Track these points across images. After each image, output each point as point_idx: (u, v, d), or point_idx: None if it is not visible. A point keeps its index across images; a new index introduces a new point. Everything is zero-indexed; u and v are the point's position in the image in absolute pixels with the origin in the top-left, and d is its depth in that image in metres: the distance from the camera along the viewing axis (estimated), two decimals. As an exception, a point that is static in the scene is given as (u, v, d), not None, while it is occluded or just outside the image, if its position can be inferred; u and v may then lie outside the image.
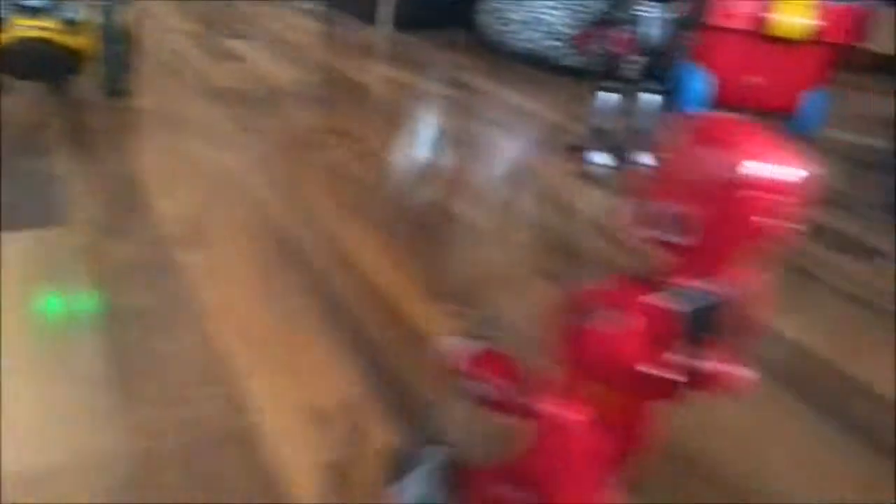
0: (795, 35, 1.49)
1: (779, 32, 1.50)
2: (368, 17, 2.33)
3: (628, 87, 1.21)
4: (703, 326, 0.33)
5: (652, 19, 1.16)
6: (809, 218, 1.11)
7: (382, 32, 2.24)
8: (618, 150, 1.26)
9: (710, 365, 0.33)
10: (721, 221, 0.32)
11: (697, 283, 0.33)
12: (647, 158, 1.24)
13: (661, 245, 0.33)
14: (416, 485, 0.43)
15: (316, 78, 1.62)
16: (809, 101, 1.50)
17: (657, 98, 1.21)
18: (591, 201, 1.10)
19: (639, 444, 0.38)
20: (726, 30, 1.53)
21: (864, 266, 0.96)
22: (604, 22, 1.19)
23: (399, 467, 0.44)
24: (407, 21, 2.35)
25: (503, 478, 0.41)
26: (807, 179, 0.32)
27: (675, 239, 0.33)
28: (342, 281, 0.77)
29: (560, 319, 0.35)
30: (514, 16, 2.06)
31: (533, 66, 1.95)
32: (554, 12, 2.03)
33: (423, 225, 0.94)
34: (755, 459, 0.59)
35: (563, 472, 0.37)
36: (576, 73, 1.83)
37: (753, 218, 0.31)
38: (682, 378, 0.34)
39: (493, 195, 1.07)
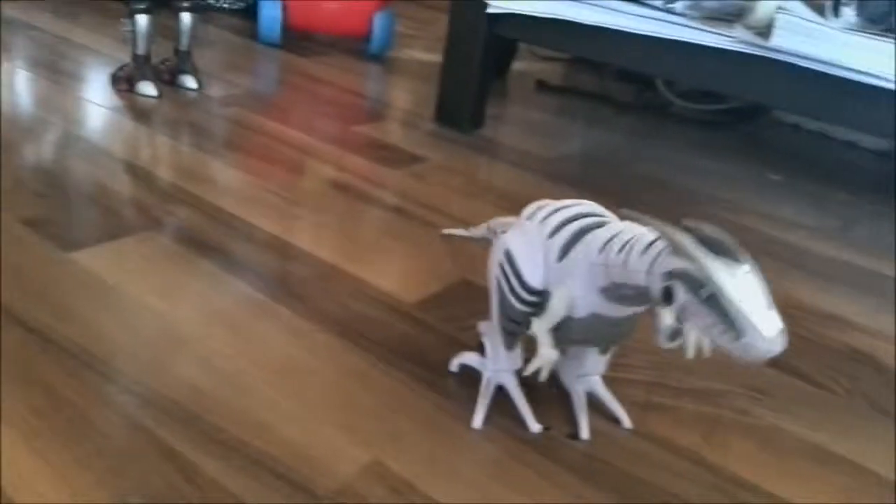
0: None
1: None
2: None
3: (160, 6, 1.11)
4: None
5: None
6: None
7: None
8: (161, 76, 1.17)
9: None
10: None
11: None
12: (190, 81, 1.17)
13: None
14: None
15: None
16: (378, 22, 1.55)
17: (189, 16, 1.13)
18: (118, 135, 1.00)
19: None
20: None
21: (399, 172, 1.02)
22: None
23: None
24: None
25: None
26: None
27: None
28: None
29: None
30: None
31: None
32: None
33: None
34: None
35: None
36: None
37: None
38: None
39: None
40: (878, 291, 0.88)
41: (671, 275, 0.41)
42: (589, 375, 0.58)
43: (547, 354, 0.50)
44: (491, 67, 1.21)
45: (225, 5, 1.81)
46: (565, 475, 0.51)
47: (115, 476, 0.45)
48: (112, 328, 0.59)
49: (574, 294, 0.48)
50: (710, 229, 0.41)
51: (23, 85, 1.15)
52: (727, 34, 0.95)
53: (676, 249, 0.40)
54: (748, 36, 0.93)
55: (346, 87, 1.40)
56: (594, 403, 0.58)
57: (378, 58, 1.64)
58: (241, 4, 1.83)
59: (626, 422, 0.57)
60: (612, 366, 0.60)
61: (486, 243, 0.62)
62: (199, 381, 0.55)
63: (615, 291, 0.46)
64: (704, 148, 1.37)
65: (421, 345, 0.63)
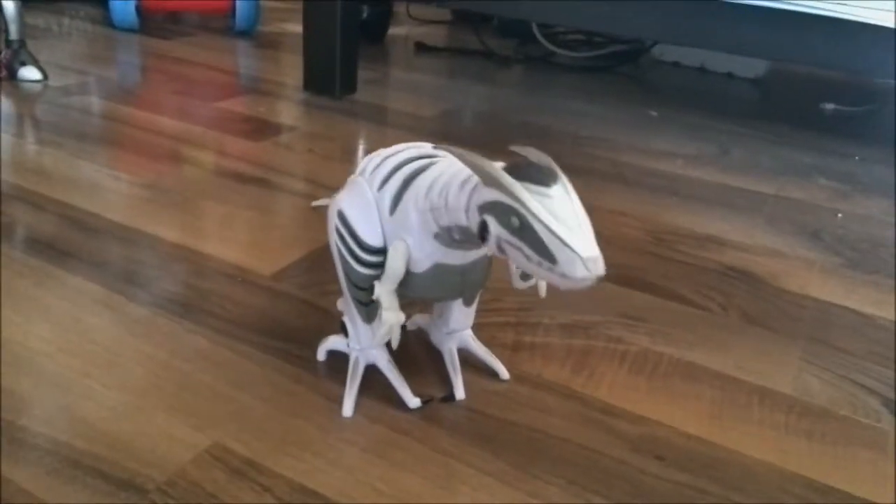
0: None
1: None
2: None
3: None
4: None
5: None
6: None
7: None
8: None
9: None
10: None
11: None
12: (30, 72, 1.08)
13: None
14: None
15: None
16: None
17: (12, 3, 1.04)
18: None
19: None
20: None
21: (263, 143, 0.97)
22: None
23: None
24: None
25: None
26: None
27: None
28: None
29: None
30: None
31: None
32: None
33: None
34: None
35: None
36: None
37: None
38: None
39: None
40: (753, 209, 0.89)
41: (483, 208, 0.37)
42: (458, 331, 0.53)
43: (390, 318, 0.45)
44: (355, 29, 1.16)
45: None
46: (438, 433, 0.48)
47: None
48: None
49: (410, 246, 0.44)
50: (529, 154, 0.37)
51: None
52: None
53: (486, 181, 0.37)
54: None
55: (210, 66, 1.32)
56: (468, 359, 0.54)
57: (246, 33, 1.56)
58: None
59: (504, 374, 0.53)
60: (482, 311, 0.57)
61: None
62: (12, 385, 0.48)
63: (447, 236, 0.42)
64: (586, 93, 1.36)
65: (275, 316, 0.58)
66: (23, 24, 1.07)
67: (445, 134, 1.05)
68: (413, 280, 0.45)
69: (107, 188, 0.79)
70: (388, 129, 1.07)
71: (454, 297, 0.51)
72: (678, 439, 0.49)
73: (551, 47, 1.57)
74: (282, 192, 0.82)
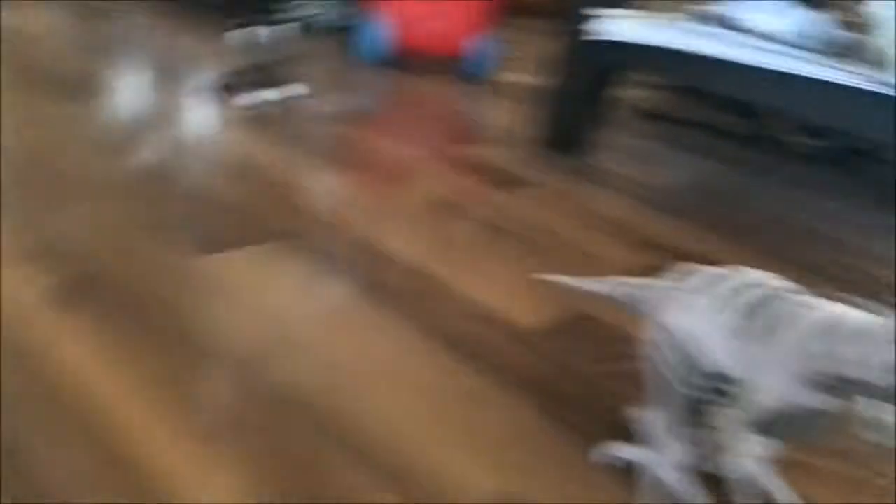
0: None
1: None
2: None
3: (260, 19, 1.16)
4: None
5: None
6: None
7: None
8: (267, 85, 1.21)
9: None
10: None
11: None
12: (298, 89, 1.20)
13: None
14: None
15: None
16: (479, 45, 1.55)
17: (291, 27, 1.17)
18: (226, 143, 1.03)
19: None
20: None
21: (509, 195, 1.01)
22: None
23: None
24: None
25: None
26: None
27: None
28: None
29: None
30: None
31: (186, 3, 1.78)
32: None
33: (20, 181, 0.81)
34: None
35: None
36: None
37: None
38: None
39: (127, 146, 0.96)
40: None
41: None
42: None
43: (749, 451, 0.45)
44: (596, 94, 1.19)
45: (321, 24, 1.85)
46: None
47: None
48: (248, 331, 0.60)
49: (777, 383, 0.42)
50: None
51: (135, 92, 1.20)
52: (851, 69, 0.89)
53: None
54: (871, 71, 0.87)
55: (449, 107, 1.40)
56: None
57: (478, 79, 1.64)
58: (341, 24, 1.87)
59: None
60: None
61: (607, 301, 0.55)
62: (316, 383, 0.55)
63: (818, 380, 0.40)
64: (820, 185, 1.31)
65: (544, 374, 0.61)
66: (274, 51, 1.20)
67: (678, 210, 1.05)
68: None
69: (382, 216, 0.87)
70: (621, 196, 1.08)
71: (794, 437, 0.48)
72: None
73: (778, 130, 1.53)
74: (532, 247, 0.85)
